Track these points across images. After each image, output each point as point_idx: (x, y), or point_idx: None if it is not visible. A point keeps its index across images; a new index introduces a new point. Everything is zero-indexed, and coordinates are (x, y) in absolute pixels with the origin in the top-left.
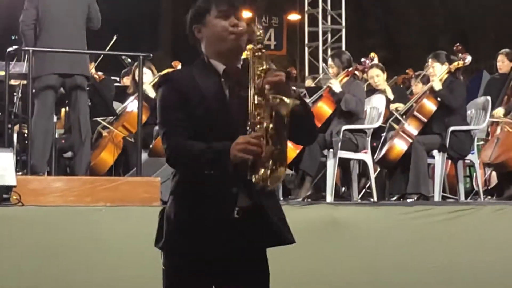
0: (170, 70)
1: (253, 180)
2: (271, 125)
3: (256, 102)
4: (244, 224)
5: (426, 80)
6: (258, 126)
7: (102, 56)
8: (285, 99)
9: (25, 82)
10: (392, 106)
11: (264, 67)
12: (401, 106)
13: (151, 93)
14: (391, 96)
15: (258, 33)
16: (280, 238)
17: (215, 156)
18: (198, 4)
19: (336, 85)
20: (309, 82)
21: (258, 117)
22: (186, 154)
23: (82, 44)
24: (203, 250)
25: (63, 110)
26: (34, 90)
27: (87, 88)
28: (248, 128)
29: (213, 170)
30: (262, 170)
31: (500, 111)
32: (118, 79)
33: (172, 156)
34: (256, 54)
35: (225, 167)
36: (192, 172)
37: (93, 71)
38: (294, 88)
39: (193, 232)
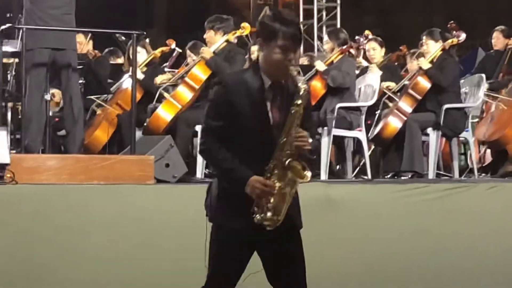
0: (164, 49)
1: (255, 220)
2: (282, 184)
3: (281, 153)
4: None
5: (421, 57)
6: (274, 177)
7: (98, 34)
8: (300, 173)
9: (18, 60)
10: (383, 85)
11: (298, 123)
12: (392, 85)
13: (140, 75)
14: (379, 73)
15: (303, 91)
16: (296, 221)
17: (234, 179)
18: (269, 22)
19: (319, 65)
20: (304, 60)
21: (275, 165)
22: (215, 161)
23: (71, 21)
24: (242, 223)
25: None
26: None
27: (80, 67)
28: (266, 168)
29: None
30: (262, 215)
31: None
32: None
33: (204, 155)
34: (296, 111)
35: (240, 190)
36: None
37: (90, 48)
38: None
39: (234, 208)
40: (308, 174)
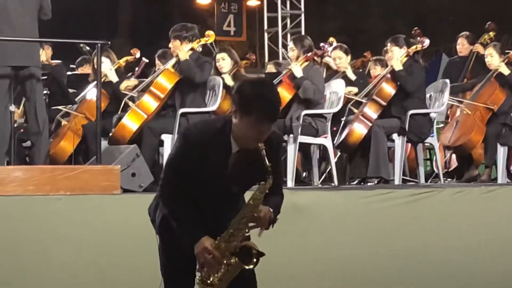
0: (129, 58)
1: (197, 280)
2: (228, 265)
3: (234, 231)
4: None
5: (384, 64)
6: (224, 245)
7: (59, 43)
8: (246, 262)
9: None
10: (346, 90)
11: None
12: (353, 90)
13: (113, 78)
14: (353, 77)
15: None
16: None
17: (185, 237)
18: (247, 95)
19: (297, 70)
20: (271, 67)
21: (227, 244)
22: (171, 213)
23: (34, 34)
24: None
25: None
26: None
27: (45, 77)
28: (218, 237)
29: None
30: (203, 280)
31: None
32: (75, 66)
33: (163, 202)
34: (257, 198)
35: (188, 248)
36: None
37: (44, 58)
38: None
39: None
40: (254, 262)
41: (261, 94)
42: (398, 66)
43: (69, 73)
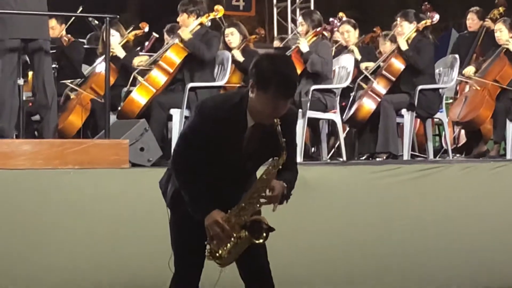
0: (137, 32)
1: (206, 249)
2: (238, 239)
3: (245, 205)
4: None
5: (394, 39)
6: (234, 219)
7: (72, 18)
8: (256, 236)
9: None
10: (363, 65)
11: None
12: (371, 65)
13: (120, 53)
14: (358, 57)
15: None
16: None
17: (196, 210)
18: (264, 70)
19: (303, 45)
20: (277, 43)
21: (238, 218)
22: (183, 185)
23: (43, 8)
24: None
25: (30, 73)
26: None
27: (53, 51)
28: (229, 210)
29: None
30: (212, 253)
31: (471, 69)
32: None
33: (176, 174)
34: (270, 172)
35: (199, 220)
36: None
37: (63, 33)
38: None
39: None
40: (264, 236)
41: (279, 70)
42: (404, 46)
43: None
